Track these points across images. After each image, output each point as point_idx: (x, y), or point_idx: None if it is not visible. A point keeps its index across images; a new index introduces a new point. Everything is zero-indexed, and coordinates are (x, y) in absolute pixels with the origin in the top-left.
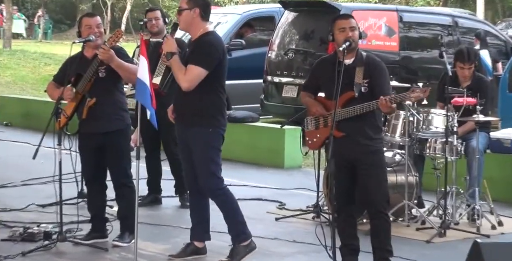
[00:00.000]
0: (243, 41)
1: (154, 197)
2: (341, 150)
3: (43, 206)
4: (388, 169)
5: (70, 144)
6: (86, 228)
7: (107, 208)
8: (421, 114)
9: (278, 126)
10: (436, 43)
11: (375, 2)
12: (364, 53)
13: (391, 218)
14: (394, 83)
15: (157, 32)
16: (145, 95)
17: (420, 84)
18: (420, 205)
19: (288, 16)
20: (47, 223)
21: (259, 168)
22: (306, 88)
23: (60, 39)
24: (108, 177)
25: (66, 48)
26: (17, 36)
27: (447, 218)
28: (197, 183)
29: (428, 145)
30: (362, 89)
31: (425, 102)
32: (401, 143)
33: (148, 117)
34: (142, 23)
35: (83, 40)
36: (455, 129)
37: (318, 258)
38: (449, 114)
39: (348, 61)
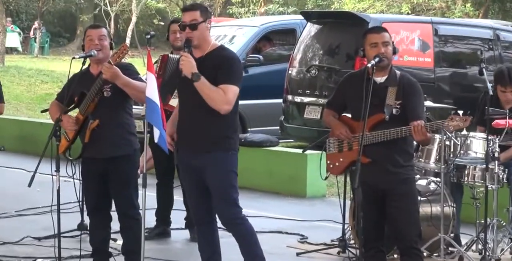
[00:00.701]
0: (260, 56)
1: (162, 229)
2: (367, 178)
3: (39, 239)
4: (422, 199)
5: (72, 170)
6: None
7: (110, 241)
8: (458, 138)
9: (300, 151)
10: (476, 59)
11: (408, 13)
12: (398, 72)
13: (425, 254)
14: (428, 103)
15: (180, 47)
16: (155, 115)
17: (460, 112)
18: (457, 239)
19: (310, 28)
20: (43, 258)
21: (279, 198)
22: (330, 105)
23: (59, 54)
24: (113, 208)
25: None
26: (11, 50)
27: (487, 253)
28: (209, 214)
29: (466, 172)
30: (394, 111)
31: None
32: (436, 170)
33: (156, 140)
34: (149, 36)
35: (84, 55)
36: (496, 154)
37: None
38: (490, 138)
39: (380, 79)
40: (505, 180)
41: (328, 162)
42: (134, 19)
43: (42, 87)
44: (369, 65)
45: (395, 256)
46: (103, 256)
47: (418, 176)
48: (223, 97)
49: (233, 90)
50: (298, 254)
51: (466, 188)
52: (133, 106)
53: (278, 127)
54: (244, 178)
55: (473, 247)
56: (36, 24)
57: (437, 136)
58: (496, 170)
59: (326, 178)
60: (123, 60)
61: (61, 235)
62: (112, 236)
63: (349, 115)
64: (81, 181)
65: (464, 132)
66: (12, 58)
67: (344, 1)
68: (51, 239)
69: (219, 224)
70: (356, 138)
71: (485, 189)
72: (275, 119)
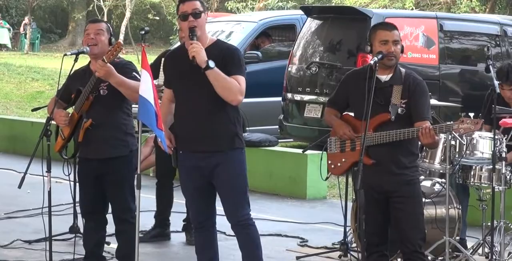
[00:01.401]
0: (259, 53)
1: (160, 232)
2: (370, 180)
3: (30, 242)
4: (427, 200)
5: (68, 170)
6: None
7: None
8: (464, 138)
9: (300, 151)
10: (482, 56)
11: (411, 8)
12: (403, 70)
13: (429, 257)
14: (433, 101)
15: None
16: (148, 115)
17: (471, 114)
18: (463, 242)
19: (311, 24)
20: None
21: (278, 199)
22: (332, 104)
23: (50, 50)
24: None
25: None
26: (0, 47)
27: (494, 257)
28: (210, 219)
29: (472, 173)
30: (399, 111)
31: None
32: (441, 171)
33: (159, 140)
34: (143, 32)
35: (76, 52)
36: (503, 154)
37: None
38: (496, 137)
39: (385, 78)
40: None
41: (330, 162)
42: (128, 14)
43: (32, 85)
44: (372, 62)
45: (399, 260)
46: (96, 260)
47: (422, 177)
48: (238, 87)
49: (243, 81)
50: (298, 258)
51: (472, 190)
52: (133, 106)
53: (277, 126)
54: None
55: (480, 251)
56: (26, 20)
57: (442, 136)
58: (504, 171)
59: (327, 178)
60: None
61: (53, 238)
62: (107, 239)
63: (352, 114)
64: (75, 183)
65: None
66: (1, 55)
67: None
68: (42, 243)
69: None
70: (360, 138)
71: (492, 190)
72: (274, 118)
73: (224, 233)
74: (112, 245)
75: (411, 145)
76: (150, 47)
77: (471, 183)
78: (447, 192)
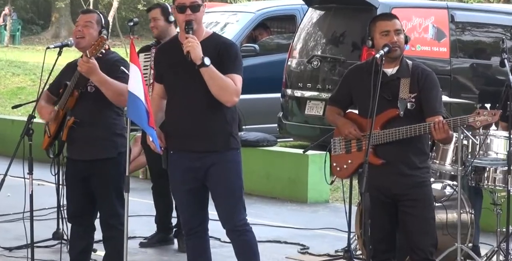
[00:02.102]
0: (256, 46)
1: (162, 237)
2: (378, 182)
3: (10, 249)
4: (437, 204)
5: (54, 170)
6: None
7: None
8: (477, 137)
9: (300, 151)
10: (497, 49)
11: None
12: (409, 62)
13: None
14: (444, 97)
15: (157, 36)
16: (139, 112)
17: (488, 105)
18: (476, 250)
19: (312, 15)
20: None
21: (277, 203)
22: (334, 102)
23: (32, 43)
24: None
25: (39, 55)
26: None
27: None
28: (202, 224)
29: (486, 175)
30: (409, 105)
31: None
32: (452, 173)
33: (151, 139)
34: (132, 24)
35: (59, 45)
36: None
37: None
38: None
39: (391, 71)
40: None
41: (334, 164)
42: (115, 4)
43: (13, 81)
44: (378, 55)
45: None
46: None
47: (432, 179)
48: (234, 87)
49: (240, 81)
50: None
51: (485, 193)
52: None
53: (276, 125)
54: None
55: (494, 259)
56: (6, 10)
57: (454, 135)
58: None
59: (332, 182)
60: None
61: (35, 245)
62: (94, 246)
63: (356, 112)
64: (59, 185)
65: (494, 128)
66: None
67: None
68: (24, 250)
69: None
70: (367, 138)
71: (507, 193)
72: (273, 115)
73: (219, 239)
74: (99, 253)
75: (422, 143)
76: (140, 40)
77: (485, 186)
78: (458, 195)
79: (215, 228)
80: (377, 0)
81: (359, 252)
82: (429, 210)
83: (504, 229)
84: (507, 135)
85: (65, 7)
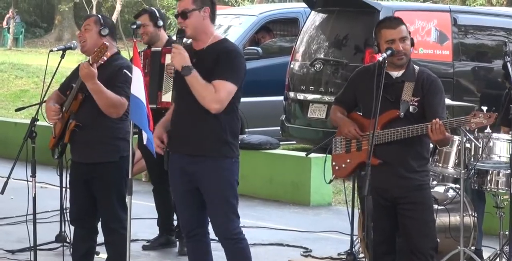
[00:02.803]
0: (259, 49)
1: (166, 239)
2: (377, 183)
3: (13, 252)
4: (440, 207)
5: (60, 171)
6: None
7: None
8: (480, 140)
9: (303, 154)
10: (499, 52)
11: (423, 1)
12: (416, 67)
13: None
14: (447, 101)
15: (148, 42)
16: (141, 115)
17: (484, 108)
18: (479, 253)
19: (315, 18)
20: None
21: (280, 206)
22: (339, 102)
23: (35, 46)
24: None
25: (42, 58)
26: None
27: None
28: (201, 226)
29: (489, 178)
30: (411, 108)
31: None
32: (455, 176)
33: (145, 141)
34: (135, 26)
35: (63, 48)
36: None
37: None
38: None
39: (396, 74)
40: None
41: (334, 163)
42: (118, 7)
43: (16, 83)
44: (380, 58)
45: None
46: None
47: (435, 182)
48: (213, 94)
49: (227, 88)
50: None
51: (488, 196)
52: None
53: (278, 128)
54: (241, 185)
55: None
56: (10, 13)
57: (457, 138)
58: None
59: (331, 181)
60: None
61: (38, 247)
62: (97, 249)
63: (360, 113)
64: (61, 187)
65: (488, 131)
66: None
67: None
68: (27, 252)
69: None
70: (366, 137)
71: (510, 196)
72: (276, 118)
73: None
74: (101, 255)
75: (422, 147)
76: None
77: (488, 189)
78: (461, 198)
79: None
80: (379, 3)
81: (361, 255)
82: (428, 213)
83: (507, 232)
84: (510, 138)
85: (68, 10)
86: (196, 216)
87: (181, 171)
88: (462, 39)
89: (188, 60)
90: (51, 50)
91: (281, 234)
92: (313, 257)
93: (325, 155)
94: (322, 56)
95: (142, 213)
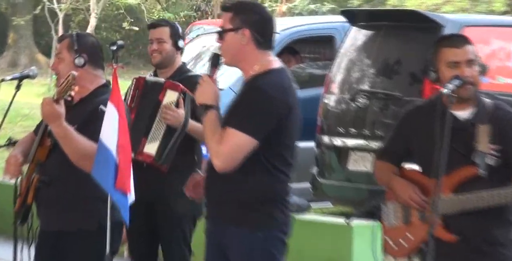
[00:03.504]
0: None
1: None
2: None
3: None
4: None
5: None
6: None
7: None
8: None
9: (342, 220)
10: None
11: (503, 13)
12: (488, 101)
13: None
14: None
15: (160, 64)
16: (105, 169)
17: None
18: None
19: (356, 36)
20: None
21: None
22: (385, 155)
23: None
24: None
25: None
26: None
27: None
28: None
29: None
30: (490, 161)
31: None
32: None
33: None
34: (115, 47)
35: (18, 76)
36: None
37: None
38: None
39: (463, 114)
40: None
41: (387, 239)
42: (93, 21)
43: None
44: (444, 91)
45: None
46: None
47: None
48: (215, 146)
49: (235, 140)
50: None
51: None
52: None
53: (308, 184)
54: None
55: None
56: None
57: None
58: None
59: None
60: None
61: None
62: None
63: (417, 167)
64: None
65: None
66: None
67: None
68: None
69: None
70: (431, 204)
71: None
72: (305, 171)
73: None
74: None
75: (509, 211)
76: (125, 69)
77: None
78: None
79: None
80: (443, 16)
81: None
82: None
83: None
84: None
85: (25, 25)
86: None
87: (211, 237)
88: None
89: (214, 98)
90: (3, 80)
91: None
92: None
93: (372, 222)
94: (366, 87)
95: None
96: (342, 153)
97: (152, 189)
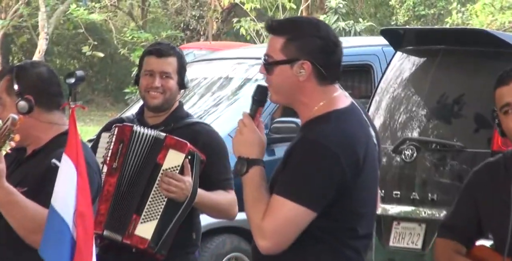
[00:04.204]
0: (299, 120)
1: None
2: None
3: None
4: None
5: None
6: None
7: None
8: None
9: None
10: None
11: None
12: None
13: None
14: None
15: (159, 107)
16: (58, 248)
17: None
18: None
19: (403, 65)
20: None
21: None
22: (449, 230)
23: None
24: None
25: None
26: None
27: None
28: None
29: None
30: None
31: None
32: None
33: None
34: (72, 80)
35: None
36: None
37: None
38: None
39: None
40: None
41: None
42: (43, 43)
43: None
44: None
45: None
46: None
47: None
48: (258, 220)
49: (284, 211)
50: None
51: None
52: None
53: None
54: None
55: None
56: None
57: None
58: None
59: None
60: None
61: None
62: None
63: (489, 244)
64: None
65: None
66: None
67: (472, 10)
68: None
69: None
70: None
71: None
72: None
73: None
74: None
75: None
76: (87, 110)
77: None
78: None
79: None
80: None
81: None
82: None
83: None
84: None
85: None
86: None
87: None
88: None
89: (259, 149)
90: None
91: None
92: None
93: None
94: (415, 134)
95: None
96: (384, 223)
97: None
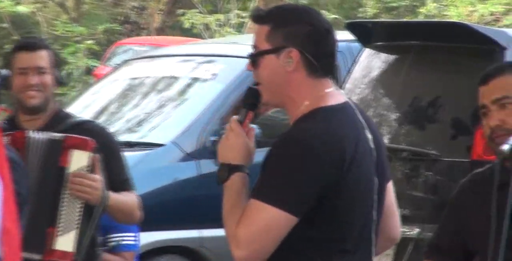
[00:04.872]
0: (255, 127)
1: None
2: None
3: None
4: None
5: None
6: None
7: None
8: None
9: None
10: None
11: None
12: None
13: None
14: None
15: (40, 107)
16: None
17: None
18: None
19: (371, 61)
20: None
21: None
22: (435, 251)
23: None
24: None
25: None
26: None
27: None
28: None
29: None
30: None
31: None
32: None
33: None
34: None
35: None
36: None
37: None
38: None
39: None
40: None
41: None
42: None
43: None
44: (505, 148)
45: None
46: None
47: None
48: (233, 230)
49: (262, 217)
50: None
51: None
52: None
53: None
54: None
55: None
56: None
57: None
58: None
59: None
60: None
61: None
62: None
63: None
64: None
65: None
66: None
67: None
68: None
69: None
70: None
71: None
72: None
73: None
74: None
75: None
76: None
77: None
78: None
79: None
80: (506, 32)
81: None
82: None
83: None
84: None
85: None
86: None
87: None
88: None
89: (245, 155)
90: None
91: None
92: None
93: None
94: (385, 141)
95: None
96: None
97: None
